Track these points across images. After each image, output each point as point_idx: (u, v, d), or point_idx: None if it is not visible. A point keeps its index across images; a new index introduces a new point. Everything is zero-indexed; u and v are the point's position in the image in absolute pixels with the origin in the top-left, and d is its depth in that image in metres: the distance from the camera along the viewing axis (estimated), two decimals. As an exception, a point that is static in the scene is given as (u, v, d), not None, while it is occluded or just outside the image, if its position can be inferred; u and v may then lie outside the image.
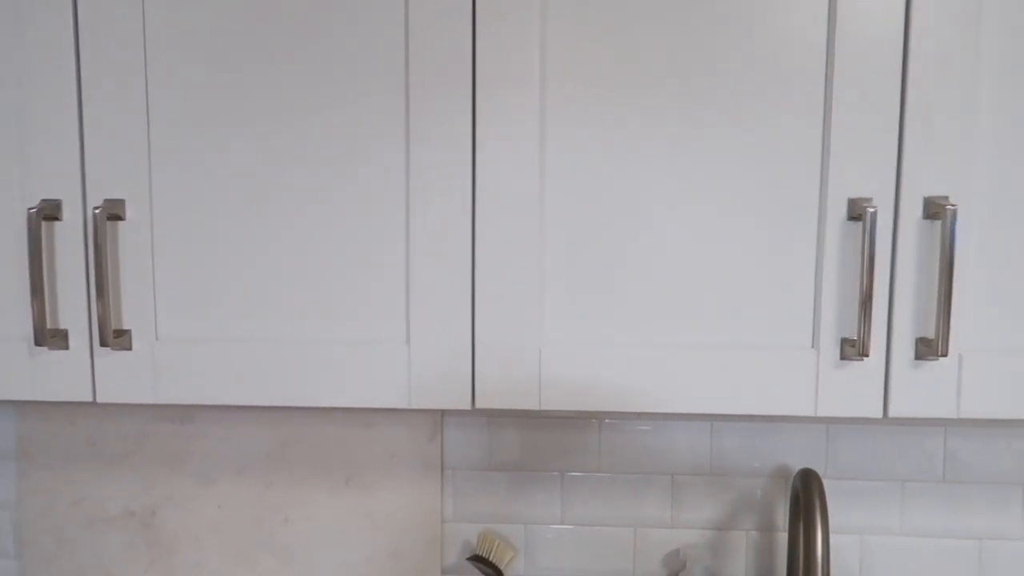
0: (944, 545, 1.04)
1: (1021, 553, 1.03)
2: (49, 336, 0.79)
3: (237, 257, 0.79)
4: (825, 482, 1.05)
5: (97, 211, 0.76)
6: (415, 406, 0.78)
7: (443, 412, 1.08)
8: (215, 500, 1.11)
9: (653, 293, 0.76)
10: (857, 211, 0.72)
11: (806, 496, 0.89)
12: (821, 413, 0.75)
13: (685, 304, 0.76)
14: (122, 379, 0.80)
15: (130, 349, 0.79)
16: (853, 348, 0.73)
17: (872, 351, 0.73)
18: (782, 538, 1.06)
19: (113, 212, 0.78)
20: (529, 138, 0.74)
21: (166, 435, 1.11)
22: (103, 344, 0.77)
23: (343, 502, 1.09)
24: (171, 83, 0.77)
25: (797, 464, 1.05)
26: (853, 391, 0.74)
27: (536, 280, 0.76)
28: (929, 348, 0.72)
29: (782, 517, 1.06)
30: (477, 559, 1.02)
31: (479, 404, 0.77)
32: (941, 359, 0.73)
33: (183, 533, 1.12)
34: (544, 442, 1.07)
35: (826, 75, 0.72)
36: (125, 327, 0.80)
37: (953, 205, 0.69)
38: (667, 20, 0.73)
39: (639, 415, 1.06)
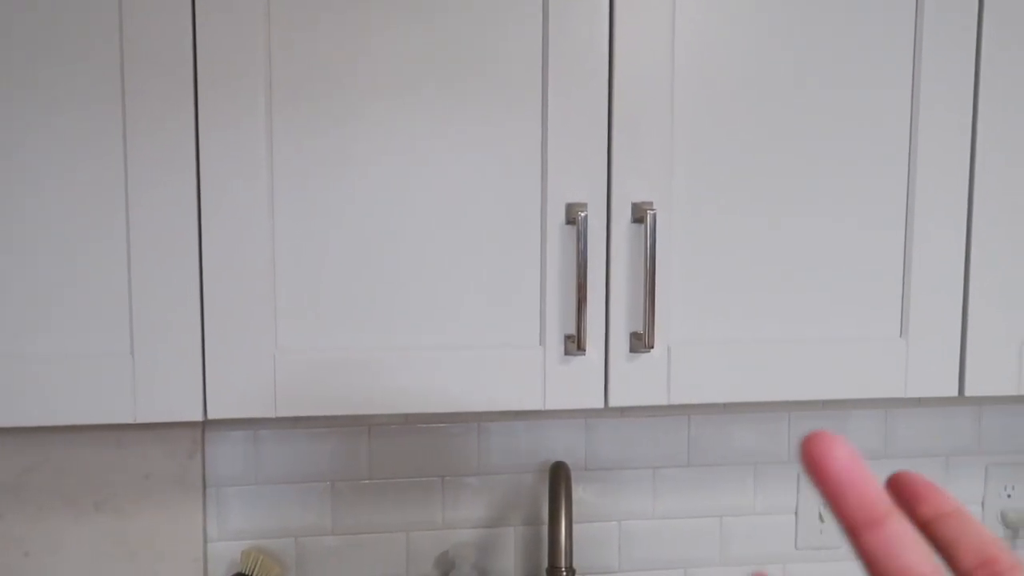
0: (691, 524, 1.14)
1: (755, 525, 1.15)
2: None
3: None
4: (586, 473, 1.11)
5: None
6: (141, 420, 0.74)
7: (203, 427, 1.04)
8: (-60, 539, 1.00)
9: (388, 294, 0.77)
10: (572, 215, 0.77)
11: (553, 487, 0.93)
12: (549, 406, 0.79)
13: (421, 305, 0.78)
14: None
15: None
16: (574, 344, 0.78)
17: (591, 346, 0.79)
18: (544, 531, 1.11)
19: None
20: (255, 136, 0.74)
21: None
22: None
23: (93, 530, 1.02)
24: None
25: (560, 458, 1.11)
26: (577, 384, 0.79)
27: (267, 284, 0.75)
28: (640, 342, 0.79)
29: (546, 510, 1.11)
30: (239, 577, 0.99)
31: (212, 414, 0.75)
32: (651, 351, 0.80)
33: (-99, 579, 1.00)
34: (312, 452, 1.06)
35: (542, 88, 0.77)
36: None
37: (654, 210, 0.76)
38: (397, 27, 0.75)
39: (406, 418, 1.07)
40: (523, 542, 1.11)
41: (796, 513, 1.15)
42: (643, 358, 0.80)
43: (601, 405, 0.80)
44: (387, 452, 1.07)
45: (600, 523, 1.12)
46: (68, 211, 0.73)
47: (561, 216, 0.78)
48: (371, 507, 1.07)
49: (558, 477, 0.94)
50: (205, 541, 1.04)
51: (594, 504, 1.12)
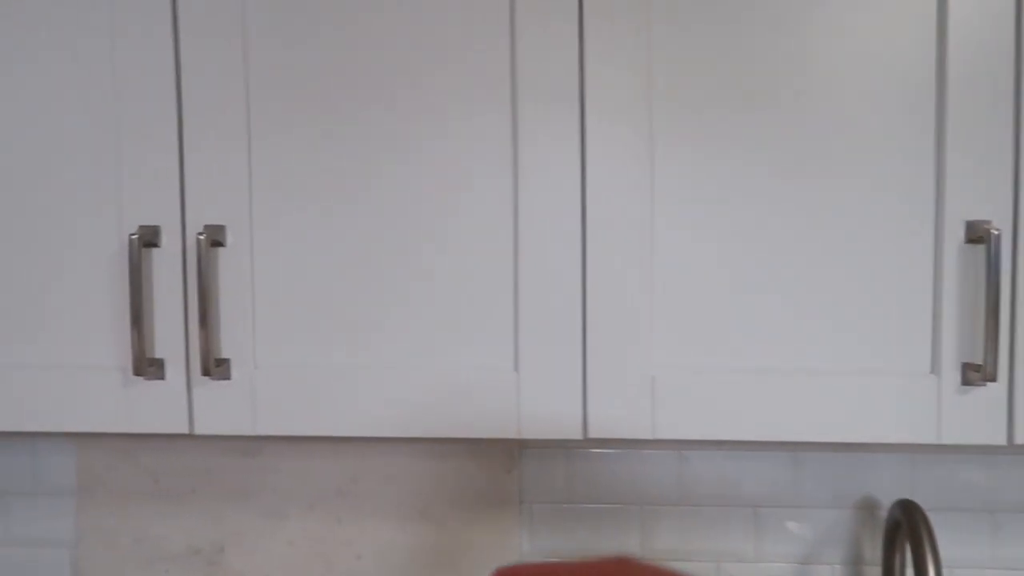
0: (1036, 577, 1.02)
1: (1116, 585, 1.01)
2: (147, 366, 0.77)
3: (339, 284, 0.77)
4: (912, 513, 1.02)
5: (201, 237, 0.75)
6: (525, 435, 0.76)
7: (521, 443, 1.06)
8: (285, 536, 1.08)
9: (772, 317, 0.75)
10: (977, 234, 0.71)
11: (912, 528, 0.86)
12: (944, 440, 0.73)
13: (803, 331, 0.74)
14: (220, 410, 0.78)
15: (228, 379, 0.78)
16: (977, 373, 0.71)
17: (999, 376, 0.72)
18: (869, 572, 1.04)
19: (214, 239, 0.76)
20: (639, 165, 0.74)
21: (232, 469, 1.08)
22: (204, 373, 0.75)
23: (417, 537, 1.06)
24: (272, 118, 0.76)
25: (881, 495, 1.03)
26: (976, 417, 0.73)
27: (647, 306, 0.74)
28: (1055, 372, 0.71)
29: (869, 550, 1.03)
30: (560, 596, 0.99)
31: (591, 434, 0.75)
32: (1067, 384, 0.72)
33: (251, 572, 1.08)
34: (624, 474, 1.05)
35: (937, 100, 0.72)
36: (224, 356, 0.78)
37: (1078, 227, 0.69)
38: (774, 59, 0.73)
39: (718, 444, 1.04)
40: (842, 582, 1.04)
41: None
42: (1054, 391, 0.72)
43: (1004, 442, 0.73)
44: (701, 477, 1.04)
45: (927, 568, 1.03)
46: (463, 239, 0.76)
47: (960, 234, 0.72)
48: (681, 533, 1.05)
49: (915, 516, 0.87)
50: (520, 556, 1.06)
51: (921, 547, 1.03)
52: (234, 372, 0.77)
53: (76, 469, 1.09)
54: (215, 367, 0.76)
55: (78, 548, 1.10)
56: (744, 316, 0.75)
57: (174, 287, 0.77)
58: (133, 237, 0.75)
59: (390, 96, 0.75)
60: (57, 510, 1.10)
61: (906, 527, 0.87)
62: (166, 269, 0.77)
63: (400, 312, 0.77)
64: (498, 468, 1.05)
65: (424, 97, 0.75)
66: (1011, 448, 1.01)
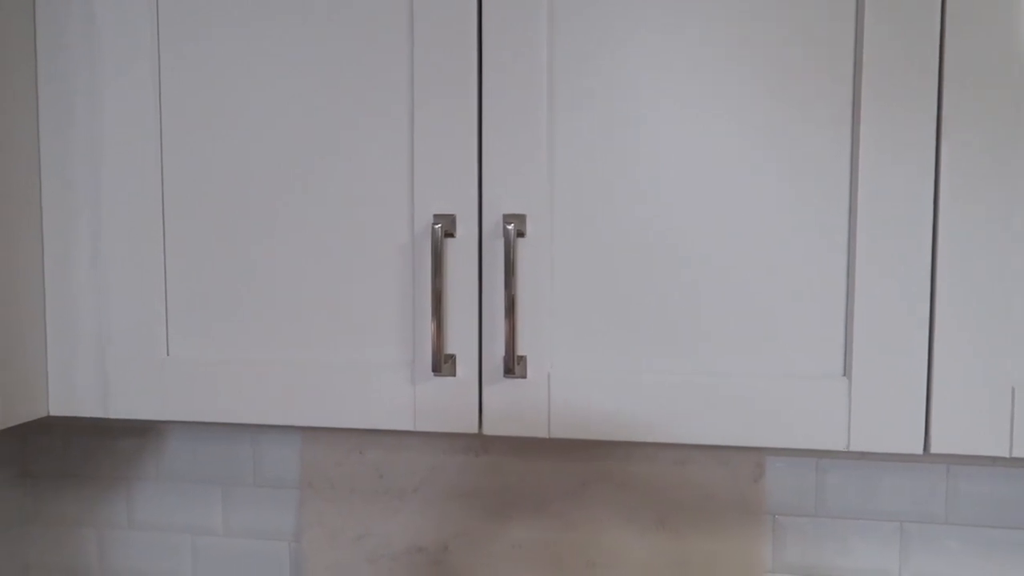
0: None
1: None
2: (443, 362, 0.73)
3: (649, 282, 0.72)
4: None
5: (510, 227, 0.70)
6: (855, 448, 0.69)
7: (765, 450, 0.99)
8: (511, 539, 1.04)
9: None
10: None
11: None
12: None
13: None
14: (513, 411, 0.73)
15: (525, 377, 0.73)
16: None
17: None
18: None
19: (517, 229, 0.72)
20: (1003, 162, 0.66)
21: (459, 467, 1.04)
22: (507, 372, 0.71)
23: (655, 547, 1.01)
24: (576, 102, 0.71)
25: None
26: None
27: (1004, 307, 0.67)
28: None
29: None
30: (822, 617, 0.93)
31: (935, 448, 0.68)
32: None
33: (476, 573, 1.05)
34: (879, 488, 0.97)
35: None
36: (520, 353, 0.73)
37: None
38: None
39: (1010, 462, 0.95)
40: None
41: None
42: None
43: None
44: (971, 494, 0.96)
45: None
46: (792, 232, 0.70)
47: None
48: (945, 554, 0.96)
49: None
50: (766, 570, 0.99)
51: None
52: (531, 371, 0.73)
53: (300, 462, 1.08)
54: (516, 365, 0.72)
55: (300, 542, 1.08)
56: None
57: (469, 280, 0.73)
58: (437, 227, 0.71)
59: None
60: (279, 503, 1.09)
61: None
62: (461, 261, 0.73)
63: (713, 316, 0.71)
64: (744, 476, 0.99)
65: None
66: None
